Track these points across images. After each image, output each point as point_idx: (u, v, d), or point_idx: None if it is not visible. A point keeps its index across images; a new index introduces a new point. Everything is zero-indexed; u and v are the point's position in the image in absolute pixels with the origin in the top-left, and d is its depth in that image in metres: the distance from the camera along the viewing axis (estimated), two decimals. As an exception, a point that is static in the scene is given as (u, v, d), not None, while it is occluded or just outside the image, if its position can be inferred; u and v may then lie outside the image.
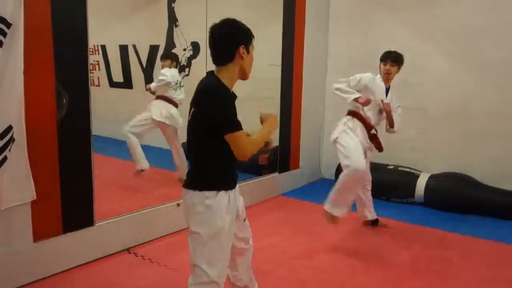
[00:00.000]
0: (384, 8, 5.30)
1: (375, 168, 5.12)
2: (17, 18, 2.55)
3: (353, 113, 3.80)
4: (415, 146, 5.21)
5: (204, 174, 2.08)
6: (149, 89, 5.09)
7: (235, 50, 2.05)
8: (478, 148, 4.82)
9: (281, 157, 5.20)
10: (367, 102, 3.59)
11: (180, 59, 6.42)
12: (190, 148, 2.13)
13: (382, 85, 3.77)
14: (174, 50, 6.48)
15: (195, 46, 6.14)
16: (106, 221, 3.33)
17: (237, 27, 2.09)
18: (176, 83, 5.02)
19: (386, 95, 3.80)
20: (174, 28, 6.46)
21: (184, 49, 6.35)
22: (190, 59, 6.29)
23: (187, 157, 2.31)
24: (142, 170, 4.76)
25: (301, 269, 3.25)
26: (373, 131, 3.81)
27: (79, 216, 3.16)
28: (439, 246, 3.74)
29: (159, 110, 4.87)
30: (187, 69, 6.34)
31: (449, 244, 3.79)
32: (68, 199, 3.04)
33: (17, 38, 2.57)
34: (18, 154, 2.69)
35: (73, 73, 3.03)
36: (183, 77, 6.36)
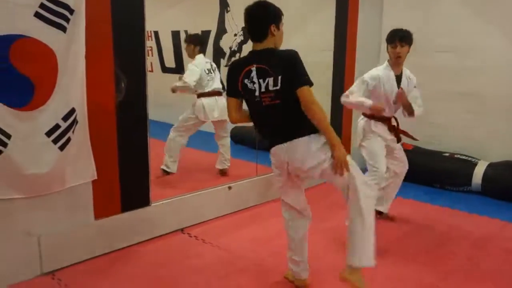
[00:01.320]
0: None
1: (429, 154, 5.01)
2: (80, 5, 2.65)
3: (366, 115, 3.58)
4: (472, 134, 5.00)
5: (303, 125, 2.38)
6: (174, 90, 4.75)
7: (267, 29, 2.38)
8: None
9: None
10: (379, 112, 3.39)
11: (230, 45, 6.47)
12: (276, 111, 2.39)
13: (391, 75, 3.45)
14: (225, 36, 6.53)
15: (246, 31, 6.15)
16: (161, 202, 3.45)
17: (266, 8, 2.41)
18: (209, 72, 4.68)
19: (398, 84, 3.47)
20: (225, 13, 6.50)
21: (235, 34, 6.38)
22: (240, 44, 6.32)
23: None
24: (167, 172, 4.50)
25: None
26: (393, 123, 3.58)
27: (137, 196, 3.28)
28: (498, 236, 3.60)
29: (201, 107, 4.61)
30: (237, 54, 6.38)
31: (508, 234, 3.64)
32: (126, 179, 3.17)
33: (79, 24, 2.68)
34: (81, 135, 2.82)
35: (131, 58, 3.13)
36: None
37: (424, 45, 4.94)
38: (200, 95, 4.65)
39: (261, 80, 2.37)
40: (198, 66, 4.62)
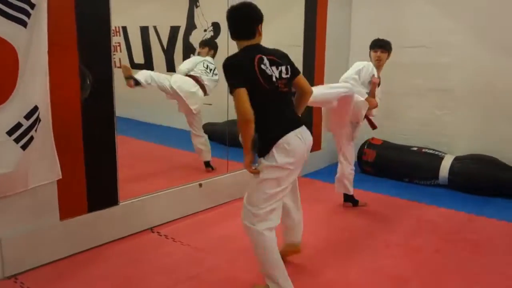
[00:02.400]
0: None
1: (398, 149, 5.09)
2: (40, -2, 2.56)
3: None
4: (439, 128, 5.11)
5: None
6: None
7: (256, 28, 2.50)
8: (505, 130, 4.69)
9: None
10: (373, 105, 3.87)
11: (200, 40, 6.40)
12: (287, 99, 2.59)
13: (376, 74, 3.93)
14: (194, 31, 6.45)
15: (216, 27, 6.09)
16: (130, 201, 3.38)
17: (254, 9, 2.53)
18: (206, 68, 4.78)
19: (379, 84, 3.98)
20: (195, 9, 6.42)
21: (205, 30, 6.31)
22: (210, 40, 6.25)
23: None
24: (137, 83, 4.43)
25: (323, 249, 3.25)
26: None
27: (104, 195, 3.20)
28: (464, 229, 3.69)
29: (180, 82, 4.63)
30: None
31: (474, 227, 3.73)
32: (93, 178, 3.08)
33: (40, 18, 2.58)
34: (44, 134, 2.72)
35: (96, 54, 3.04)
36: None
37: (393, 41, 5.00)
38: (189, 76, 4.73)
39: (273, 68, 2.46)
40: (195, 58, 4.92)
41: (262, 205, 2.45)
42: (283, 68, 2.51)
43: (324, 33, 5.16)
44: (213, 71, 4.81)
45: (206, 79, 4.74)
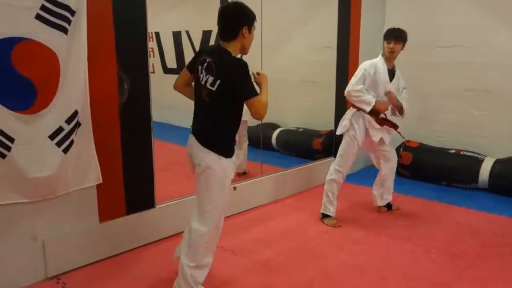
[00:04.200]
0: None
1: (435, 152, 4.97)
2: (81, 5, 2.62)
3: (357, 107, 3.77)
4: (477, 129, 4.96)
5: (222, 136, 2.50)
6: None
7: (238, 30, 2.38)
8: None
9: (337, 142, 5.09)
10: (384, 109, 3.70)
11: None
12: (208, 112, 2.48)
13: (384, 68, 3.71)
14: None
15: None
16: (166, 204, 3.41)
17: (241, 10, 2.40)
18: None
19: (391, 78, 3.75)
20: (227, 13, 6.45)
21: (237, 34, 6.34)
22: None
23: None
24: (244, 173, 4.59)
25: (361, 254, 3.20)
26: (381, 116, 3.75)
27: (141, 198, 3.25)
28: (507, 234, 3.56)
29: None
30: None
31: (517, 232, 3.60)
32: (131, 182, 3.14)
33: (80, 25, 2.64)
34: (84, 138, 2.79)
35: (133, 59, 3.09)
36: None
37: (428, 40, 4.90)
38: None
39: (204, 73, 2.43)
40: None
41: None
42: (210, 79, 2.40)
43: (358, 34, 5.09)
44: None
45: None
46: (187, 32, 7.07)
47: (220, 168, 2.48)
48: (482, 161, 4.64)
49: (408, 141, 5.05)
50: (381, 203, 4.04)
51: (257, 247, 3.29)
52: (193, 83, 2.64)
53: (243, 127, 4.77)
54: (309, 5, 5.33)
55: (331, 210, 3.80)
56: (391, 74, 3.77)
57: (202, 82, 2.43)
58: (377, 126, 3.73)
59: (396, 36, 3.66)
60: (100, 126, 2.88)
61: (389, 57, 3.72)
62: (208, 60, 2.42)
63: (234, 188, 3.90)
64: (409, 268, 3.00)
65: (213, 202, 2.55)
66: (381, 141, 3.82)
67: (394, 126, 3.78)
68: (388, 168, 3.94)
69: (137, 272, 2.92)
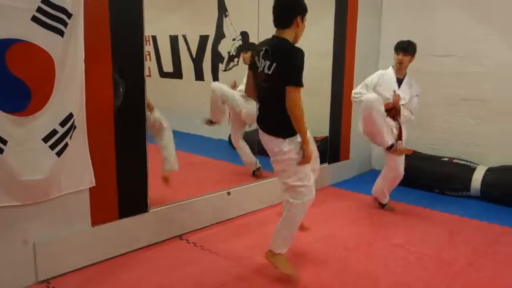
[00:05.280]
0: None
1: (428, 159, 4.99)
2: (77, 8, 2.62)
3: None
4: (471, 138, 4.99)
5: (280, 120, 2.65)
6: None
7: (293, 18, 2.58)
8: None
9: (331, 148, 5.12)
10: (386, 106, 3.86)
11: (229, 49, 6.45)
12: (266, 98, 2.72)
13: (392, 76, 3.97)
14: (223, 40, 6.51)
15: (245, 36, 6.13)
16: (160, 208, 3.40)
17: (296, 0, 2.63)
18: None
19: (399, 85, 3.97)
20: (224, 18, 6.49)
21: (234, 39, 6.36)
22: (239, 49, 6.30)
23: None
24: (211, 122, 4.89)
25: (354, 260, 3.20)
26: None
27: (134, 202, 3.24)
28: (498, 242, 3.58)
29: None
30: (236, 59, 6.36)
31: (508, 240, 3.61)
32: (124, 185, 3.13)
33: (77, 28, 2.64)
34: (79, 141, 2.78)
35: (129, 62, 3.09)
36: (232, 66, 6.41)
37: (424, 49, 4.92)
38: None
39: (262, 60, 2.63)
40: None
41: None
42: (268, 63, 2.62)
43: (354, 42, 5.12)
44: None
45: None
46: (184, 37, 7.09)
47: (289, 149, 2.64)
48: (474, 169, 4.67)
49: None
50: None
51: (251, 253, 3.28)
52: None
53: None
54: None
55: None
56: (400, 81, 3.99)
57: (260, 69, 2.62)
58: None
59: (403, 48, 3.89)
60: (95, 129, 2.87)
61: (398, 68, 3.96)
62: (265, 47, 2.60)
63: (228, 193, 3.91)
64: (401, 275, 3.01)
65: (304, 178, 2.76)
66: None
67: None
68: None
69: (129, 277, 2.90)
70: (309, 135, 2.71)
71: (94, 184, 2.90)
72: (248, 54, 4.77)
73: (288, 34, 2.62)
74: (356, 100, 3.97)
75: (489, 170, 4.62)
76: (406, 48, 3.88)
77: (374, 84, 3.95)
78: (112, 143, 3.04)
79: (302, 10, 2.62)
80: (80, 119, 2.76)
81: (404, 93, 3.94)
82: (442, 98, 5.11)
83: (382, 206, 4.27)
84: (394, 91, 3.91)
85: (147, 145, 3.25)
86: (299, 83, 2.52)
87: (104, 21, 2.90)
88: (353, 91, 4.03)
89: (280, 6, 2.62)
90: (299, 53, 2.53)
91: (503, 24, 4.65)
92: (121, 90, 3.03)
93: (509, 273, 3.05)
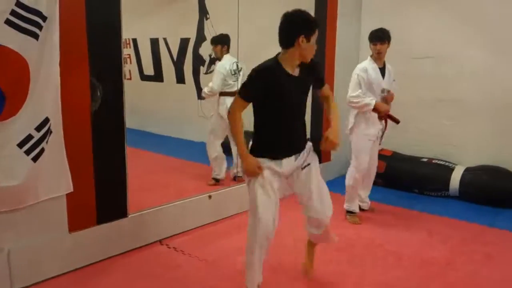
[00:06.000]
0: (419, -3, 5.14)
1: (408, 160, 5.05)
2: (53, 11, 2.59)
3: None
4: (450, 139, 5.07)
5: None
6: (203, 97, 4.97)
7: (295, 38, 2.40)
8: (515, 140, 4.65)
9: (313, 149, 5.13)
10: (385, 110, 3.91)
11: (210, 52, 6.43)
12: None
13: (375, 67, 3.94)
14: (204, 43, 6.49)
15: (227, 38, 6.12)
16: (139, 213, 3.37)
17: (300, 18, 2.45)
18: (234, 73, 4.71)
19: (383, 75, 3.98)
20: (205, 21, 6.47)
21: (215, 42, 6.34)
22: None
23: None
24: (217, 180, 4.70)
25: (334, 261, 3.22)
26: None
27: (113, 208, 3.20)
28: (476, 240, 3.63)
29: (224, 106, 4.61)
30: (217, 62, 6.34)
31: (487, 239, 3.67)
32: (102, 190, 3.09)
33: (52, 31, 2.61)
34: (56, 146, 2.74)
35: (107, 66, 3.06)
36: (213, 69, 6.38)
37: (402, 51, 4.99)
38: (223, 94, 4.71)
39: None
40: (222, 69, 4.71)
41: None
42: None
43: (334, 45, 5.15)
44: (240, 71, 4.77)
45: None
46: (165, 39, 7.06)
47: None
48: (452, 169, 4.74)
49: (382, 149, 5.12)
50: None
51: (232, 255, 3.27)
52: None
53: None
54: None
55: (354, 207, 4.05)
56: (383, 72, 3.98)
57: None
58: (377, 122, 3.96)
59: (380, 38, 3.89)
60: (72, 133, 2.83)
61: (378, 57, 3.94)
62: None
63: (209, 197, 3.89)
64: (380, 275, 3.03)
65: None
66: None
67: (396, 121, 4.01)
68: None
69: (107, 284, 2.87)
70: None
71: (72, 190, 2.86)
72: (219, 47, 4.77)
73: (289, 53, 2.46)
74: (356, 105, 3.88)
75: (467, 170, 4.69)
76: (381, 37, 3.89)
77: (367, 79, 3.88)
78: (90, 147, 3.00)
79: (305, 29, 2.42)
80: (57, 124, 2.72)
81: (389, 83, 4.01)
82: (419, 100, 5.18)
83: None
84: (383, 90, 3.93)
85: (126, 149, 3.21)
86: (239, 93, 2.52)
87: (80, 24, 2.86)
88: (349, 95, 3.89)
89: (281, 25, 2.47)
90: (251, 72, 2.49)
91: (478, 26, 4.74)
92: (99, 93, 2.99)
93: (486, 272, 3.09)
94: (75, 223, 2.97)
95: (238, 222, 3.96)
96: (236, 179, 4.77)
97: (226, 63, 4.73)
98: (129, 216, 3.29)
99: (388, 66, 4.05)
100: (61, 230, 2.91)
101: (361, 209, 4.21)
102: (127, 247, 3.29)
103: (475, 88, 4.83)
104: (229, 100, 4.63)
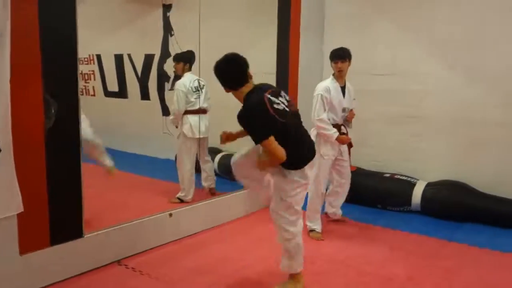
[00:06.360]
0: (382, 13, 5.25)
1: (371, 176, 5.11)
2: (3, 27, 2.51)
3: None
4: (412, 154, 5.17)
5: None
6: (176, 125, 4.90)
7: (248, 73, 2.71)
8: (476, 157, 4.76)
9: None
10: (346, 141, 4.07)
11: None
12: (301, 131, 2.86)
13: (336, 86, 4.01)
14: (169, 59, 6.46)
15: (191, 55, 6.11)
16: (96, 233, 3.26)
17: (242, 58, 2.72)
18: (196, 90, 4.72)
19: (343, 94, 4.06)
20: (169, 37, 6.45)
21: (179, 58, 6.31)
22: (185, 68, 6.26)
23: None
24: (181, 201, 4.59)
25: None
26: (342, 130, 4.09)
27: (68, 228, 3.09)
28: (437, 255, 3.67)
29: (188, 125, 4.64)
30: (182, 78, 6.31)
31: (446, 253, 3.72)
32: (56, 210, 2.98)
33: (3, 47, 2.53)
34: (5, 165, 2.63)
35: (62, 82, 2.98)
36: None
37: (365, 68, 5.09)
38: (186, 112, 4.66)
39: (279, 98, 2.70)
40: (182, 87, 4.67)
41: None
42: (282, 92, 2.80)
43: (297, 61, 5.20)
44: (202, 88, 4.79)
45: (205, 103, 4.79)
46: (129, 55, 6.99)
47: None
48: (414, 184, 4.81)
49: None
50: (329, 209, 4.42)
51: (192, 276, 3.20)
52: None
53: (204, 147, 4.86)
54: (250, 32, 5.40)
55: (316, 226, 4.06)
56: (343, 91, 4.06)
57: (285, 103, 2.72)
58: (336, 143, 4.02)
59: (340, 56, 3.97)
60: (23, 151, 2.73)
61: (339, 76, 4.01)
62: (268, 96, 2.65)
63: (170, 215, 3.82)
64: (341, 292, 3.02)
65: None
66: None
67: (350, 144, 4.19)
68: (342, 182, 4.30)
69: (61, 307, 2.76)
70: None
71: (22, 210, 2.73)
72: (181, 65, 4.76)
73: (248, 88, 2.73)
74: (322, 131, 3.93)
75: (428, 185, 4.77)
76: (342, 56, 3.96)
77: (328, 101, 3.93)
78: (43, 165, 2.90)
79: (246, 65, 2.74)
80: (6, 142, 2.61)
81: (349, 102, 4.12)
82: (383, 116, 5.28)
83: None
84: (344, 109, 4.05)
85: (81, 167, 3.12)
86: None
87: (34, 40, 2.79)
88: (316, 118, 3.91)
89: (234, 69, 2.71)
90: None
91: (441, 42, 4.87)
92: (53, 110, 2.91)
93: (445, 287, 3.12)
94: (27, 245, 2.84)
95: (199, 241, 3.90)
96: (212, 191, 4.79)
97: (186, 80, 4.71)
98: (85, 236, 3.18)
99: (348, 85, 4.13)
100: (11, 252, 2.77)
101: (332, 219, 4.37)
102: (83, 269, 3.18)
103: (435, 104, 4.96)
104: (192, 119, 4.61)
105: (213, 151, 5.48)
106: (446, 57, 4.86)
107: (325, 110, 3.91)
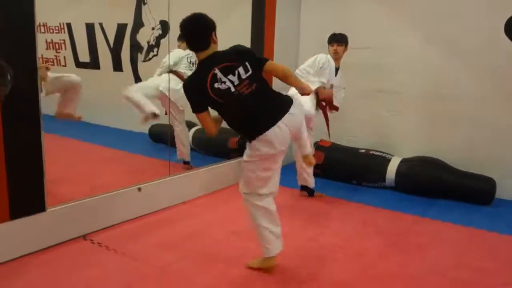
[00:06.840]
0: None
1: (346, 151, 5.07)
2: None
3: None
4: (387, 130, 5.13)
5: (282, 98, 2.71)
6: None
7: (210, 37, 2.56)
8: (450, 132, 4.75)
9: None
10: (327, 95, 4.22)
11: (148, 39, 6.18)
12: (259, 95, 2.59)
13: (333, 64, 4.23)
14: (142, 29, 6.23)
15: (164, 25, 5.89)
16: (59, 207, 3.13)
17: (207, 19, 2.57)
18: (190, 63, 4.79)
19: (336, 73, 4.28)
20: (142, 6, 6.20)
21: (153, 28, 6.10)
22: (158, 39, 6.05)
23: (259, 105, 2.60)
24: (155, 115, 4.43)
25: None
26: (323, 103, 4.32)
27: (29, 201, 2.96)
28: (409, 231, 3.66)
29: (165, 82, 4.63)
30: (155, 49, 6.11)
31: (419, 229, 3.71)
32: (16, 182, 2.84)
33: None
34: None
35: (18, 48, 2.80)
36: (151, 57, 6.16)
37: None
38: (171, 72, 4.68)
39: (230, 76, 2.50)
40: (175, 54, 4.78)
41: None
42: (241, 69, 2.53)
43: (273, 34, 5.07)
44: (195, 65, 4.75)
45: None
46: (101, 25, 6.70)
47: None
48: (389, 160, 4.78)
49: (321, 140, 5.11)
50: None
51: (159, 251, 3.12)
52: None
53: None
54: (222, 9, 5.23)
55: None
56: (336, 72, 4.30)
57: (236, 82, 2.51)
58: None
59: (337, 39, 4.21)
60: (-23, 121, 2.57)
61: (335, 58, 4.24)
62: (216, 71, 2.49)
63: (139, 189, 3.71)
64: (313, 267, 2.97)
65: None
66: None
67: (335, 108, 4.37)
68: None
69: (23, 283, 2.64)
70: None
71: (-23, 183, 2.60)
72: (184, 44, 4.68)
73: (212, 51, 2.58)
74: (303, 79, 3.76)
75: (403, 161, 4.75)
76: (339, 40, 4.19)
77: (321, 65, 4.10)
78: (1, 137, 2.74)
79: (213, 27, 2.58)
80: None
81: (339, 82, 4.33)
82: (358, 90, 5.20)
83: (311, 193, 4.40)
84: (332, 86, 4.23)
85: (43, 138, 2.97)
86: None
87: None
88: (301, 68, 4.13)
89: (194, 30, 2.56)
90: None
91: (416, 16, 4.80)
92: (9, 77, 2.72)
93: (416, 262, 3.11)
94: (-16, 219, 2.71)
95: (168, 216, 3.81)
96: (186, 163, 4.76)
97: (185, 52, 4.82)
98: (48, 210, 3.05)
99: (340, 73, 4.34)
100: (-35, 227, 2.65)
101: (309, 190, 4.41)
102: (46, 244, 3.06)
103: (411, 79, 4.91)
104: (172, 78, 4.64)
105: (188, 125, 5.36)
106: (422, 31, 4.79)
107: (313, 70, 4.09)
